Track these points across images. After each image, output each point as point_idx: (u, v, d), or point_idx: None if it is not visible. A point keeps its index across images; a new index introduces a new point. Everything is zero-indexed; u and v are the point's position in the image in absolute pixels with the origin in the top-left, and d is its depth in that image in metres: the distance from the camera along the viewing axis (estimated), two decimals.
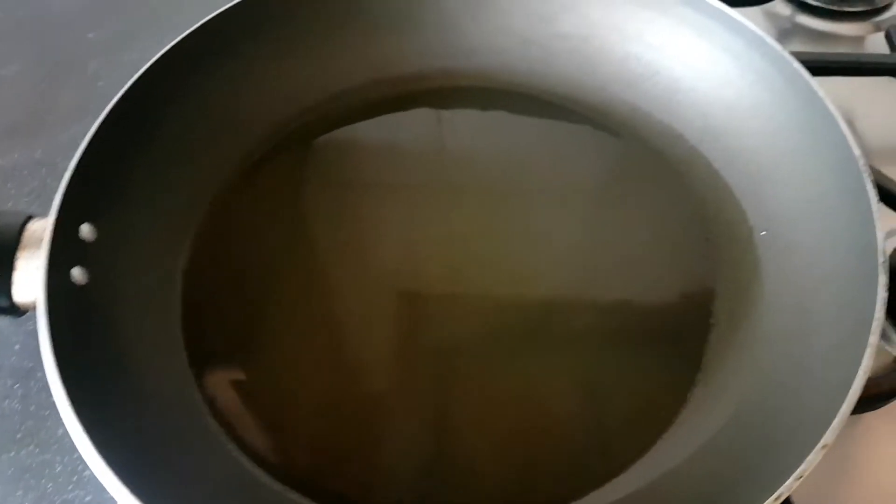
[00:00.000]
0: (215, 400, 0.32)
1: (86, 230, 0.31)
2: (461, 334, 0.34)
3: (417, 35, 0.42)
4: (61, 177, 0.31)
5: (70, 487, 0.33)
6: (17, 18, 0.54)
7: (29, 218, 0.30)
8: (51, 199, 0.30)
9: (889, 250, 0.34)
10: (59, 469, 0.34)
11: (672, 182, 0.38)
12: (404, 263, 0.36)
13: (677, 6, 0.39)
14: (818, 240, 0.32)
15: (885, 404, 0.32)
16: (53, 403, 0.26)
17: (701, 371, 0.32)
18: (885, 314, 0.30)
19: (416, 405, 0.32)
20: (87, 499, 0.33)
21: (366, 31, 0.41)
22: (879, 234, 0.29)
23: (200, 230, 0.36)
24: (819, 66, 0.40)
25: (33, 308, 0.28)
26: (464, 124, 0.42)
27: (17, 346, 0.37)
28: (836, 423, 0.24)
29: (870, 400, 0.31)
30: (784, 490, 0.24)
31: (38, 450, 0.34)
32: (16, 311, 0.29)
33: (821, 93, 0.33)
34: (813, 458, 0.24)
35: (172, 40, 0.36)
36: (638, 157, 0.39)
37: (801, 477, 0.24)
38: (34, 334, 0.27)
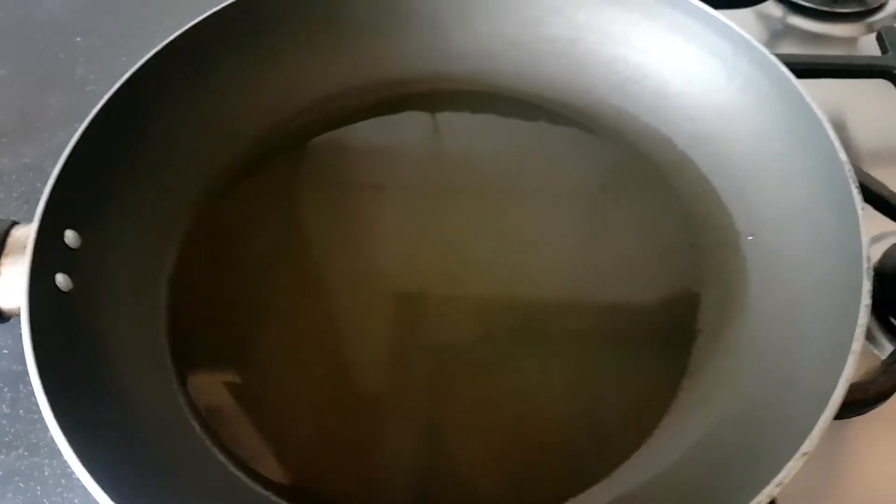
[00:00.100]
0: (200, 407, 0.32)
1: (70, 237, 0.31)
2: (449, 336, 0.34)
3: (407, 39, 0.42)
4: None
5: (59, 490, 0.33)
6: (4, 23, 0.54)
7: (13, 224, 0.30)
8: None
9: (875, 256, 0.34)
10: (47, 472, 0.34)
11: (660, 186, 0.38)
12: (393, 265, 0.36)
13: (664, 9, 0.39)
14: (804, 245, 0.32)
15: (872, 409, 0.32)
16: None
17: (686, 376, 0.32)
18: (873, 315, 0.30)
19: (410, 407, 0.32)
20: (76, 502, 0.33)
21: (356, 35, 0.42)
22: (864, 241, 0.28)
23: (186, 237, 0.36)
24: (810, 69, 0.40)
25: (18, 314, 0.28)
26: (454, 127, 0.42)
27: (5, 351, 0.38)
28: (817, 431, 0.24)
29: (856, 405, 0.31)
30: (763, 497, 0.24)
31: (27, 453, 0.34)
32: (0, 316, 0.29)
33: (808, 97, 0.33)
34: (793, 465, 0.24)
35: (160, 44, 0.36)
36: (625, 160, 0.39)
37: (780, 484, 0.24)
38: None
